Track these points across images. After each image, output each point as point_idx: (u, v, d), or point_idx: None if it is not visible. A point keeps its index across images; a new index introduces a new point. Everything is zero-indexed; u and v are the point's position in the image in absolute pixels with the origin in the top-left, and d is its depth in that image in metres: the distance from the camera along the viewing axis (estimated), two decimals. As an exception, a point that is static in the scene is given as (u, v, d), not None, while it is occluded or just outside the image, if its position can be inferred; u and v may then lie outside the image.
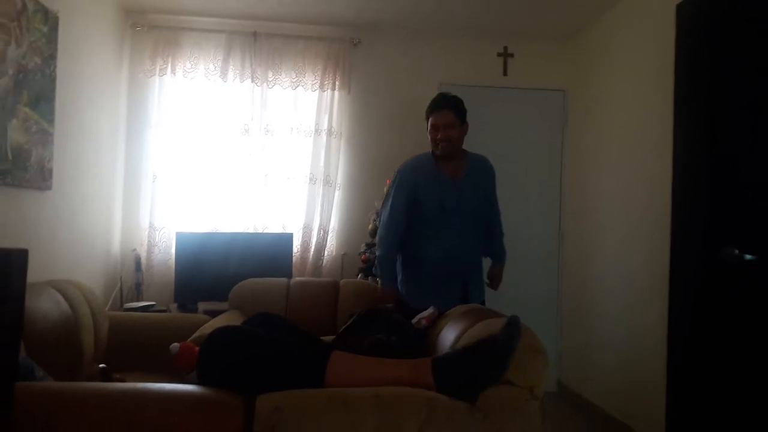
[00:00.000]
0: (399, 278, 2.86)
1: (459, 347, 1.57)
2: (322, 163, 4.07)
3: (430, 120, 2.74)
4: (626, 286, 3.39)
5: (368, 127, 4.20)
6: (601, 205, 3.78)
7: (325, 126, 4.07)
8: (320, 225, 4.06)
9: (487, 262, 3.01)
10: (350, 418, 1.06)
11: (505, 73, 4.33)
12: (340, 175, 4.14)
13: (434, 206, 2.73)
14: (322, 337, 2.26)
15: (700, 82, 2.69)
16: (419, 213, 2.75)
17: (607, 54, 3.77)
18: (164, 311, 3.45)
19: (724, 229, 2.47)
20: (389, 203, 2.81)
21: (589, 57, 4.03)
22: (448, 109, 2.69)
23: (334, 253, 4.11)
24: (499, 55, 4.32)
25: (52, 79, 2.70)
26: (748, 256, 2.31)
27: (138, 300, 3.69)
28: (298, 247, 4.03)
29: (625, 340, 3.36)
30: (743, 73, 2.43)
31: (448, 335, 2.37)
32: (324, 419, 1.06)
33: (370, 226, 3.79)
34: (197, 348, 2.18)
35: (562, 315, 4.28)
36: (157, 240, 3.88)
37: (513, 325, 1.56)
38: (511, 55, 4.33)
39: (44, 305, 2.26)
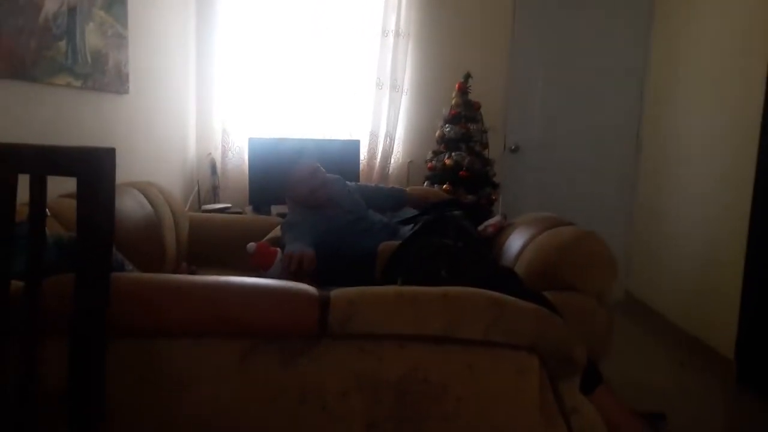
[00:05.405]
0: None
1: None
2: (388, 67, 3.97)
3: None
4: (706, 193, 3.23)
5: (438, 27, 4.02)
6: (684, 110, 3.55)
7: (392, 26, 3.94)
8: (386, 132, 4.03)
9: None
10: (418, 314, 1.10)
11: (587, -33, 4.00)
12: (407, 79, 4.04)
13: None
14: (387, 242, 2.32)
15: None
16: None
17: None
18: (240, 213, 3.60)
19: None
20: None
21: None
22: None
23: (400, 161, 4.10)
24: (581, -55, 3.98)
25: (123, -18, 2.71)
26: None
27: (214, 202, 3.85)
28: (365, 154, 4.04)
29: (701, 250, 3.26)
30: None
31: (514, 243, 2.38)
32: (393, 314, 1.10)
33: (438, 133, 3.73)
34: (273, 248, 2.29)
35: (635, 222, 4.16)
36: (230, 144, 3.98)
37: None
38: (595, -54, 3.97)
39: (128, 204, 2.40)
